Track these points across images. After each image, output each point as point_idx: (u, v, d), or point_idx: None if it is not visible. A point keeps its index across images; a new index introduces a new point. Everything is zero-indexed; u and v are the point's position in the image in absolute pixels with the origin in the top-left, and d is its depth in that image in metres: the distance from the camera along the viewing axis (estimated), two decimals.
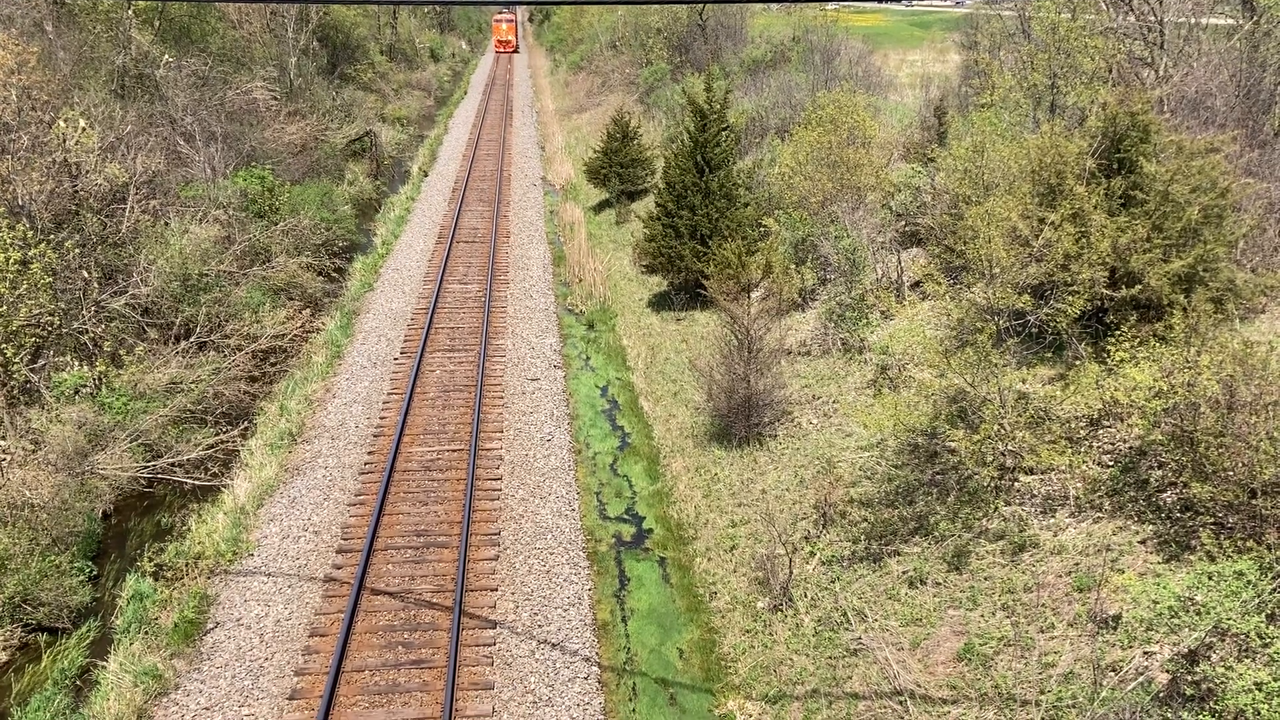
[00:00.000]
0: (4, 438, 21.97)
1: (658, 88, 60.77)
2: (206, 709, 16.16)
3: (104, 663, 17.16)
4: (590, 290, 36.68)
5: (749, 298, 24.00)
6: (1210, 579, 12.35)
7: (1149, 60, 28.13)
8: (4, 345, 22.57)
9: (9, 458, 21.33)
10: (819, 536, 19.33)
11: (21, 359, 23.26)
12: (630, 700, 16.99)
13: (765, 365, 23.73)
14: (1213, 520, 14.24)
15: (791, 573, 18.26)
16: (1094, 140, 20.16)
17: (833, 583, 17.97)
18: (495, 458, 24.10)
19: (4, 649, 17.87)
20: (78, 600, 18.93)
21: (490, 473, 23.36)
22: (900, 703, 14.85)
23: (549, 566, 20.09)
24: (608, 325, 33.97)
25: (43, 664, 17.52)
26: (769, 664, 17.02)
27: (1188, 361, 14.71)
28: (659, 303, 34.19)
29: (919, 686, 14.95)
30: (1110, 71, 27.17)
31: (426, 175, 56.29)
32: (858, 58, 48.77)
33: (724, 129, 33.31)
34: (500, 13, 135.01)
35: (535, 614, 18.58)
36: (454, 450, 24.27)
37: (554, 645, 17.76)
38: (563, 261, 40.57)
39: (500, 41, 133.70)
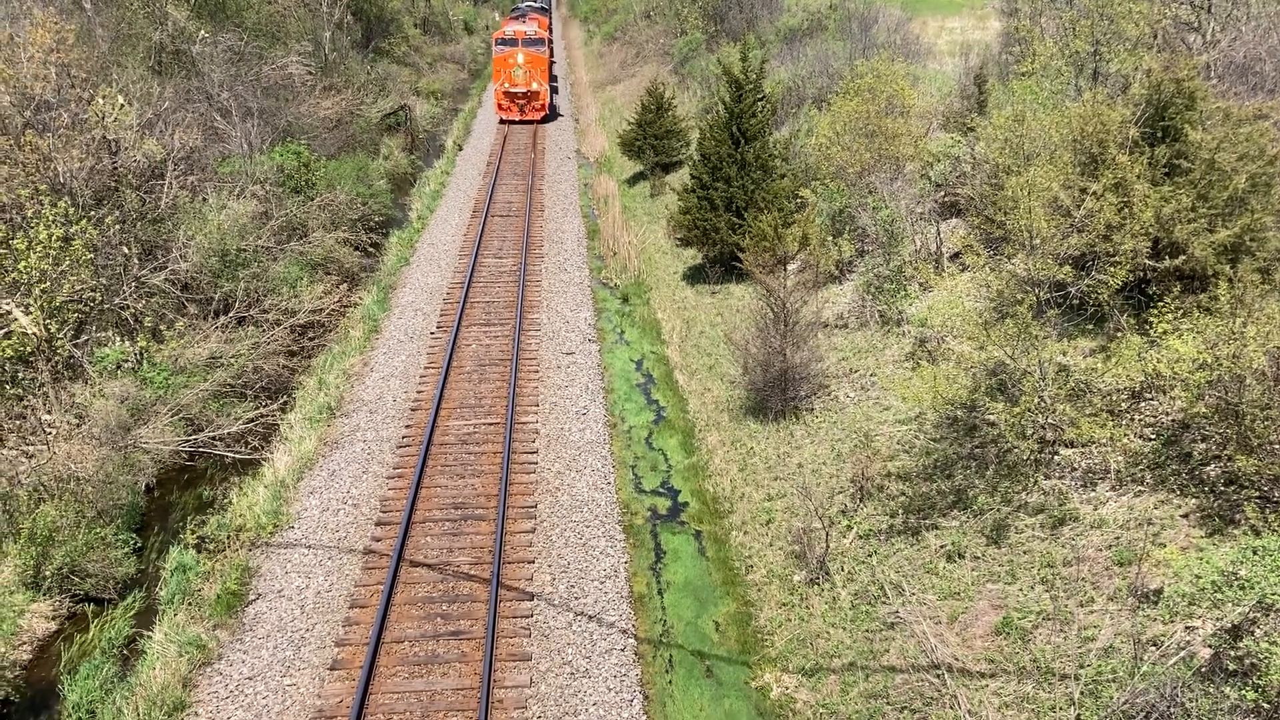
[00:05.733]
0: (50, 412, 22.37)
1: (692, 58, 60.21)
2: (249, 679, 16.44)
3: (149, 633, 17.49)
4: (625, 264, 36.58)
5: (785, 270, 23.83)
6: (1255, 553, 12.16)
7: (1195, 25, 27.48)
8: (48, 321, 22.92)
9: (55, 432, 21.73)
10: (856, 510, 19.26)
11: (65, 334, 23.64)
12: (667, 672, 17.08)
13: (801, 338, 23.58)
14: (1258, 494, 14.02)
15: (828, 546, 18.22)
16: (1137, 108, 19.75)
17: (870, 556, 17.91)
18: (531, 431, 24.19)
19: (53, 619, 18.27)
20: (123, 571, 19.29)
21: (526, 446, 23.46)
22: (937, 676, 14.81)
23: (585, 539, 20.18)
24: (642, 299, 33.91)
25: (90, 633, 17.88)
26: (805, 637, 17.03)
27: (1233, 333, 14.42)
28: (694, 276, 34.05)
29: (956, 660, 14.89)
30: (1155, 37, 26.56)
31: (461, 149, 56.28)
32: (896, 25, 48.03)
33: (760, 99, 32.96)
34: (518, 20, 66.65)
35: (572, 586, 18.69)
36: (490, 424, 24.39)
37: (591, 617, 17.86)
38: (597, 235, 40.48)
39: (509, 95, 60.58)
